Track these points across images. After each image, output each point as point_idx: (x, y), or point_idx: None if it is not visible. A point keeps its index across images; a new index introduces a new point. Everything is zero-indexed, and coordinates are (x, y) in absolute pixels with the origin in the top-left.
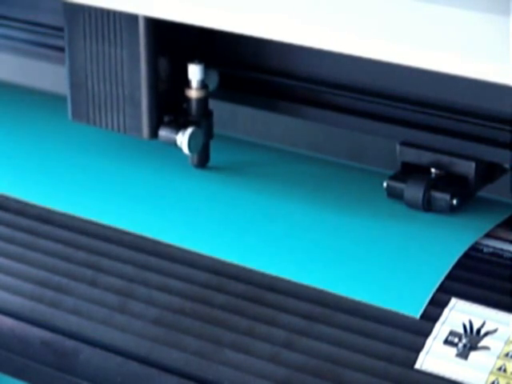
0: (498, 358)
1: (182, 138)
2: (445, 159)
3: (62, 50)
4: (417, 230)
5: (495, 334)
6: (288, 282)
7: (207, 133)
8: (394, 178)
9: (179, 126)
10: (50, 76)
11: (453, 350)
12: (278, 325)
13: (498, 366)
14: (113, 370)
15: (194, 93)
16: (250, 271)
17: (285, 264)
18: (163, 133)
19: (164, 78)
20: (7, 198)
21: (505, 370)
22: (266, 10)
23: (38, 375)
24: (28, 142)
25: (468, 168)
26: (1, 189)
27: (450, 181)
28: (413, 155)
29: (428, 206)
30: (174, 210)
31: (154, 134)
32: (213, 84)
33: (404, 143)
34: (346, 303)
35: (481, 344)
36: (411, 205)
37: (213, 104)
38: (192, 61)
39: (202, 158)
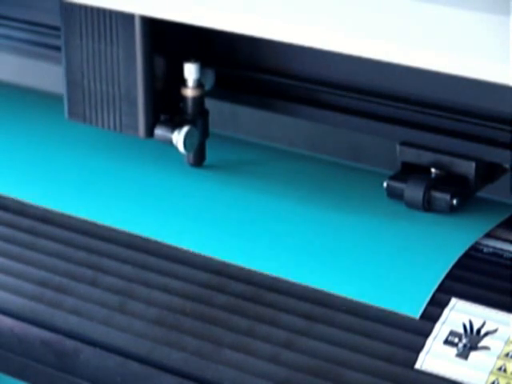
0: (498, 358)
1: (178, 137)
2: (445, 159)
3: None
4: (417, 230)
5: (495, 334)
6: (287, 282)
7: (203, 132)
8: (394, 177)
9: (175, 125)
10: (50, 76)
11: (453, 350)
12: (278, 325)
13: (498, 365)
14: (113, 370)
15: (189, 92)
16: (250, 271)
17: (283, 264)
18: (159, 131)
19: (160, 76)
20: (6, 198)
21: (505, 370)
22: (263, 10)
23: (38, 375)
24: (27, 141)
25: (468, 168)
26: (0, 189)
27: (450, 181)
28: (413, 155)
29: (428, 205)
30: (171, 210)
31: (150, 132)
32: (209, 83)
33: (404, 143)
34: (345, 303)
35: (481, 344)
36: (411, 205)
37: (209, 103)
38: (188, 60)
39: (198, 157)
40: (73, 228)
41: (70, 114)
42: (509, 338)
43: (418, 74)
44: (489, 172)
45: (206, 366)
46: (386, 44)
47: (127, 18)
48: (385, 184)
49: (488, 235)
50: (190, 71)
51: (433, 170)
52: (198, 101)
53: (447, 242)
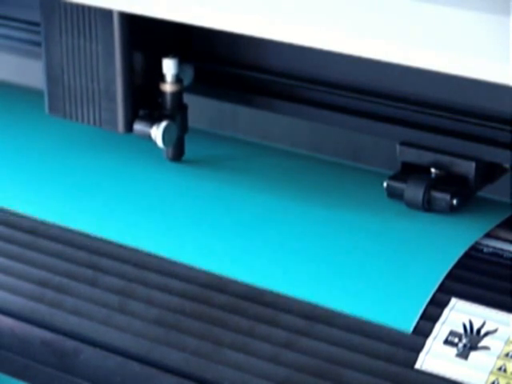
0: (498, 358)
1: (157, 132)
2: (445, 159)
3: None
4: (417, 229)
5: (495, 334)
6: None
7: (182, 126)
8: (394, 177)
9: (154, 120)
10: None
11: (453, 350)
12: (278, 325)
13: (498, 365)
14: (113, 370)
15: (168, 87)
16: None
17: (280, 265)
18: (138, 126)
19: (139, 72)
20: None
21: (505, 370)
22: (262, 10)
23: (37, 375)
24: (27, 141)
25: (468, 168)
26: None
27: (450, 181)
28: (413, 155)
29: (428, 206)
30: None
31: (129, 127)
32: (188, 78)
33: (404, 143)
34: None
35: (481, 344)
36: (411, 205)
37: (188, 98)
38: (167, 55)
39: (177, 152)
40: (72, 229)
41: (51, 109)
42: (509, 338)
43: (418, 74)
44: (489, 172)
45: (206, 366)
46: (386, 44)
47: (106, 14)
48: (385, 184)
49: (488, 235)
50: (169, 66)
51: (433, 170)
52: (177, 96)
53: (447, 242)
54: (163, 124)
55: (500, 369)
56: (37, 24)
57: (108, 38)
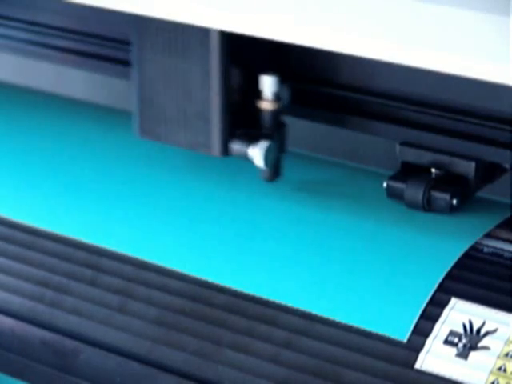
0: (498, 357)
1: (258, 152)
2: (445, 159)
3: (61, 49)
4: (417, 230)
5: (495, 334)
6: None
7: (280, 146)
8: (394, 177)
9: (251, 139)
10: (50, 76)
11: (453, 350)
12: (278, 325)
13: (497, 365)
14: (113, 370)
15: (267, 104)
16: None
17: (283, 265)
18: (235, 146)
19: (236, 91)
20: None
21: (505, 370)
22: (262, 9)
23: (37, 375)
24: (27, 143)
25: (468, 168)
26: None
27: (450, 181)
28: (413, 155)
29: (428, 206)
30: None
31: (225, 151)
32: (284, 99)
33: (404, 143)
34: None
35: (481, 344)
36: (411, 205)
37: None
38: (266, 72)
39: (274, 172)
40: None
41: (142, 131)
42: (509, 338)
43: (418, 73)
44: (489, 172)
45: (205, 366)
46: (386, 44)
47: (202, 32)
48: (385, 184)
49: (488, 235)
50: (269, 84)
51: (433, 170)
52: (276, 114)
53: (447, 242)
54: (265, 144)
55: (500, 369)
56: (37, 24)
57: (205, 57)
